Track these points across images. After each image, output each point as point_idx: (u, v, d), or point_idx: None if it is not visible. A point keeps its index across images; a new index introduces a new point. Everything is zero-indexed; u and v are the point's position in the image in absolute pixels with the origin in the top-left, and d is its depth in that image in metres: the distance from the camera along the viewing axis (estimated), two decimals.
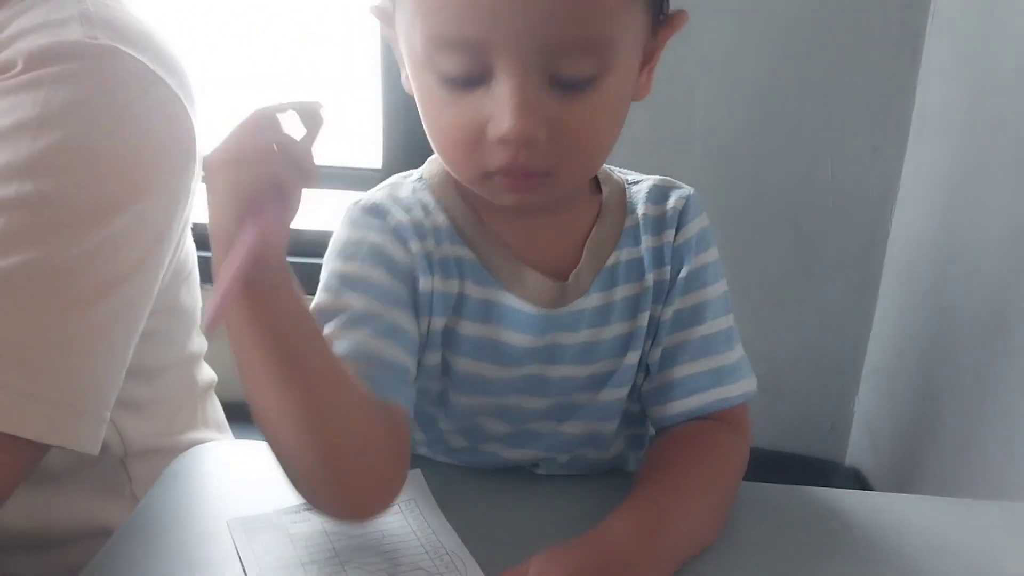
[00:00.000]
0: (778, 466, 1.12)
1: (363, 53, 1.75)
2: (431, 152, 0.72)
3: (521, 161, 0.61)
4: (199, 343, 0.96)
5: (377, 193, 0.74)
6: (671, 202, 0.77)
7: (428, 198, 0.73)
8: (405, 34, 0.63)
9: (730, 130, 1.59)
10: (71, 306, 0.68)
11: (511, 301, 0.72)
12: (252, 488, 0.73)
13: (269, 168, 0.52)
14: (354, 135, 1.85)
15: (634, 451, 0.85)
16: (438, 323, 0.72)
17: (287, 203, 0.53)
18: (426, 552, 0.65)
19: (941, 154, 1.52)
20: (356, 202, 0.73)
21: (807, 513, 0.74)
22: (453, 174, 0.68)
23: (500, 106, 0.59)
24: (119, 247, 0.71)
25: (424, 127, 0.67)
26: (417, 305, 0.70)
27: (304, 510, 0.69)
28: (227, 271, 0.49)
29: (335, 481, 0.60)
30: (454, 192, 0.73)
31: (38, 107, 0.68)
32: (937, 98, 1.54)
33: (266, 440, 0.60)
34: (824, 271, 1.71)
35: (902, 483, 1.57)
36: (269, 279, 0.54)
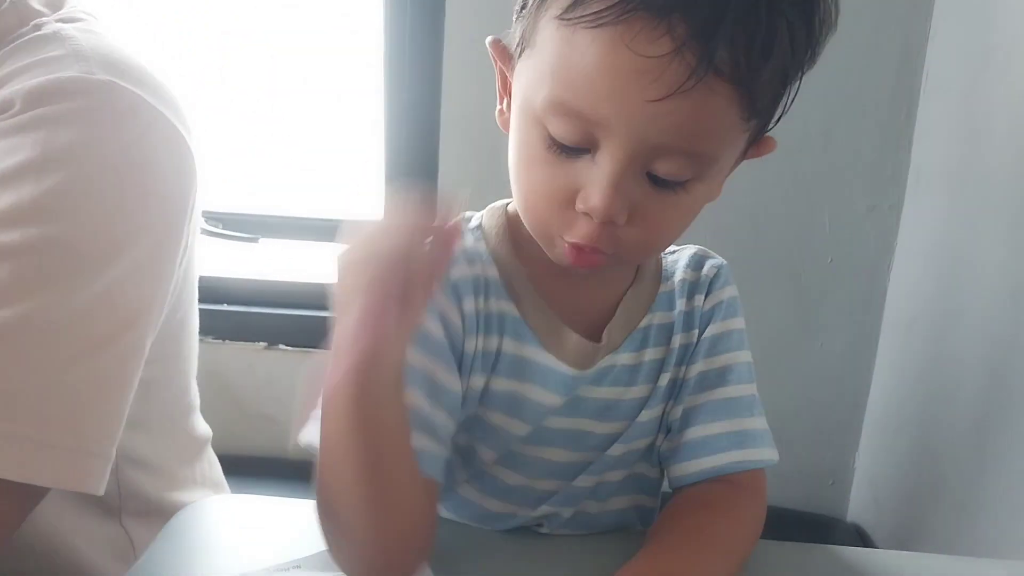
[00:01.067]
0: (779, 522, 1.11)
1: (364, 105, 1.77)
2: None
3: (595, 237, 0.63)
4: (194, 395, 0.95)
5: None
6: (705, 269, 0.80)
7: (483, 249, 0.75)
8: (527, 84, 0.64)
9: (729, 188, 1.60)
10: (82, 352, 0.67)
11: (546, 360, 0.74)
12: (248, 545, 0.72)
13: (400, 273, 0.54)
14: (354, 187, 1.87)
15: (644, 523, 0.84)
16: (478, 381, 0.73)
17: (408, 312, 0.55)
18: None
19: (937, 211, 1.53)
20: None
21: (809, 570, 0.74)
22: (525, 223, 0.69)
23: (595, 181, 0.61)
24: (127, 287, 0.70)
25: (511, 169, 0.68)
26: (461, 365, 0.71)
27: (294, 568, 0.69)
28: (334, 370, 0.51)
29: (379, 552, 0.61)
30: (508, 246, 0.74)
31: (39, 148, 0.66)
32: (932, 156, 1.56)
33: (320, 497, 0.61)
34: (823, 327, 1.72)
35: (904, 539, 1.56)
36: (380, 387, 0.56)
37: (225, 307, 1.80)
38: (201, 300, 1.79)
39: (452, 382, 0.70)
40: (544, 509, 0.78)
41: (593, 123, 0.60)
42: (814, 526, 1.76)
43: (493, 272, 0.74)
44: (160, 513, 0.86)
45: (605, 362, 0.75)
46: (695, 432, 0.76)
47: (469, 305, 0.71)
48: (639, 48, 0.56)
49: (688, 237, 0.81)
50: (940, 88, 1.55)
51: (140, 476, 0.84)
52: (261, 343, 1.77)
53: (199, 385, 0.97)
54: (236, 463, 1.14)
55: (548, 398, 0.74)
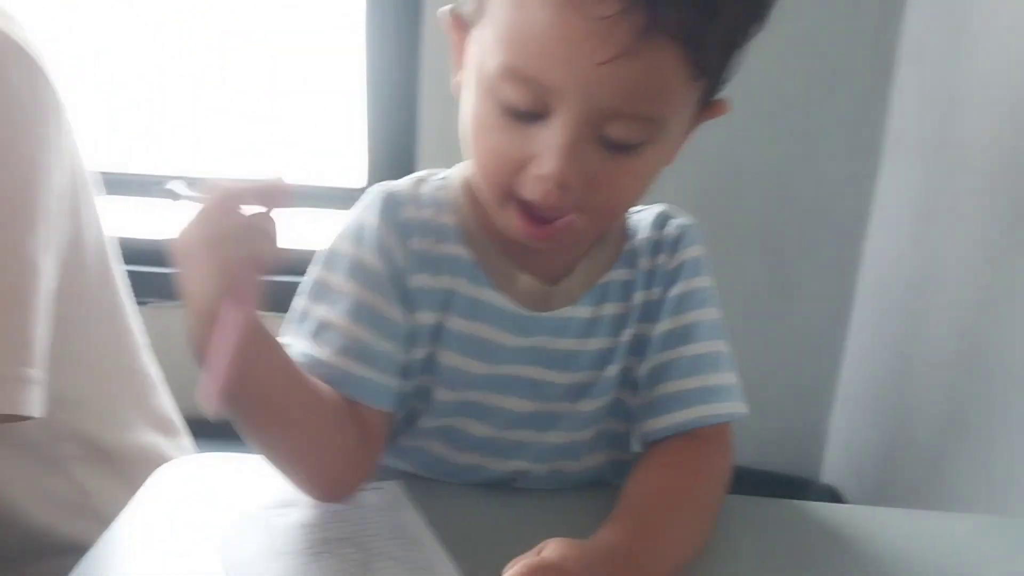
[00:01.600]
0: (754, 483, 1.13)
1: (348, 68, 1.77)
2: (416, 170, 0.75)
3: (550, 201, 0.65)
4: (137, 334, 0.94)
5: (402, 183, 0.79)
6: (669, 228, 0.81)
7: (445, 197, 0.78)
8: (481, 52, 0.66)
9: (706, 157, 1.61)
10: None
11: (499, 300, 0.76)
12: (228, 503, 0.73)
13: (252, 245, 0.58)
14: (338, 153, 1.87)
15: (618, 477, 0.86)
16: (427, 318, 0.76)
17: (262, 273, 0.58)
18: (399, 544, 0.67)
19: (913, 177, 1.55)
20: (380, 187, 0.78)
21: (782, 525, 0.76)
22: (476, 189, 0.72)
23: (548, 146, 0.63)
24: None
25: (464, 138, 0.70)
26: (406, 301, 0.75)
27: (290, 506, 0.72)
28: (221, 349, 0.54)
29: (309, 476, 0.70)
30: (470, 195, 0.76)
31: None
32: (908, 123, 1.58)
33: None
34: (799, 291, 1.74)
35: (877, 499, 1.59)
36: (255, 344, 0.60)
37: None
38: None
39: (394, 313, 0.73)
40: (516, 464, 0.80)
41: (545, 88, 0.61)
42: (788, 487, 1.79)
43: (451, 219, 0.77)
44: (109, 459, 0.87)
45: (563, 313, 0.77)
46: (663, 389, 0.78)
47: (416, 243, 0.75)
48: (587, 10, 0.57)
49: (663, 201, 0.83)
50: (917, 54, 1.56)
51: (74, 416, 0.84)
52: None
53: (178, 350, 0.96)
54: (218, 426, 1.15)
55: (503, 338, 0.77)
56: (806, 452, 1.84)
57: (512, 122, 0.64)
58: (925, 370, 1.45)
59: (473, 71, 0.67)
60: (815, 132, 1.66)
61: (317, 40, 1.82)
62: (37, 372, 0.70)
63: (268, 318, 0.62)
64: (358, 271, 0.73)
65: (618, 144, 0.63)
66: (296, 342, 0.73)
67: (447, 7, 0.70)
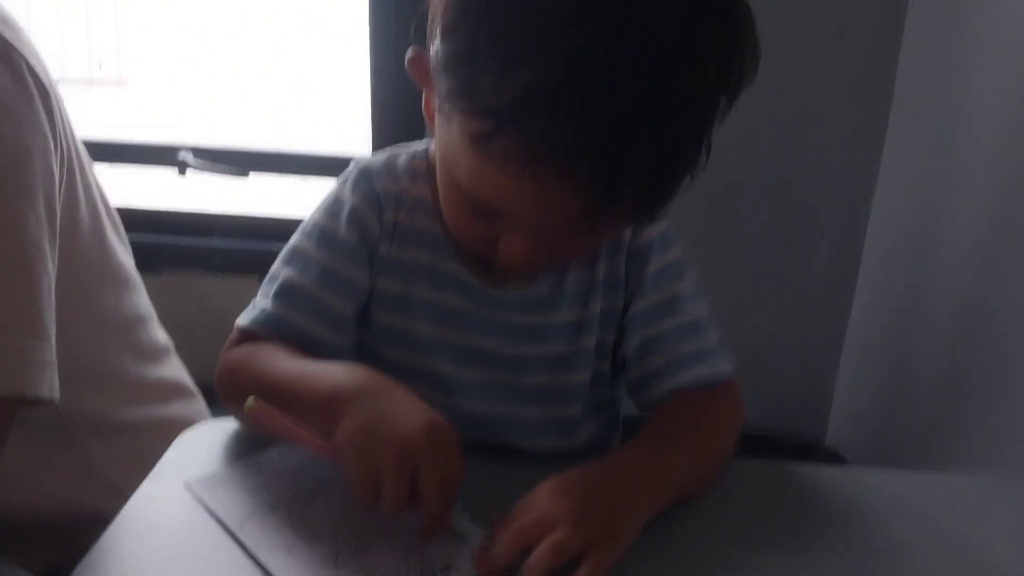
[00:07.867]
0: (759, 446, 1.15)
1: (352, 39, 1.77)
2: (421, 139, 0.76)
3: (520, 272, 0.73)
4: (140, 307, 0.93)
5: (377, 157, 0.82)
6: None
7: (422, 168, 0.81)
8: (445, 147, 0.67)
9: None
10: None
11: (462, 273, 0.79)
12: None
13: (439, 469, 0.61)
14: (343, 121, 1.87)
15: (612, 432, 0.89)
16: (391, 285, 0.80)
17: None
18: None
19: (920, 142, 1.55)
20: (358, 162, 0.82)
21: (786, 486, 0.77)
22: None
23: (515, 242, 0.68)
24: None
25: (438, 186, 0.73)
26: (373, 266, 0.80)
27: (252, 463, 0.73)
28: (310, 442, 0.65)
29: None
30: None
31: None
32: (916, 88, 1.58)
33: None
34: (805, 255, 1.75)
35: (880, 462, 1.61)
36: None
37: (217, 241, 1.82)
38: (193, 234, 1.81)
39: (358, 277, 0.79)
40: (508, 439, 0.81)
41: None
42: (793, 450, 1.81)
43: (426, 191, 0.80)
44: (117, 430, 0.87)
45: (524, 291, 0.80)
46: (657, 360, 0.80)
47: (389, 215, 0.80)
48: (548, 186, 0.60)
49: None
50: (925, 19, 1.55)
51: (78, 393, 0.82)
52: (253, 276, 1.78)
53: (192, 318, 0.95)
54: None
55: (469, 307, 0.80)
56: (811, 415, 1.85)
57: (481, 214, 0.68)
58: (930, 332, 1.46)
59: (440, 147, 0.69)
60: (823, 93, 1.65)
61: (322, 8, 1.82)
62: (51, 354, 0.69)
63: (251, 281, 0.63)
64: (331, 240, 0.78)
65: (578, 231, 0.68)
66: (263, 301, 0.78)
67: (410, 53, 0.70)
